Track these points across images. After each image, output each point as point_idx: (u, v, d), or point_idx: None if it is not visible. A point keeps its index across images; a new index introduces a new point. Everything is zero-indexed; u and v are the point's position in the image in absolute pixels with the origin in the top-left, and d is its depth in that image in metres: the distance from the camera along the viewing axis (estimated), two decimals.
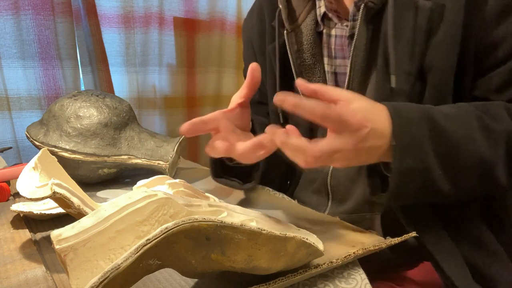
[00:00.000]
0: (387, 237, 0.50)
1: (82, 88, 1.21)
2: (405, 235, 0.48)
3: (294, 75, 0.66)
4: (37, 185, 0.48)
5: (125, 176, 0.87)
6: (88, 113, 0.76)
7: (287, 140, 0.43)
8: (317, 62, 0.66)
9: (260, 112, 0.82)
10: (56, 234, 0.34)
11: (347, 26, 0.62)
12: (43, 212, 0.57)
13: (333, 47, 0.65)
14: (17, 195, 0.72)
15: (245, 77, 0.85)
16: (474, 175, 0.50)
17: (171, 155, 0.80)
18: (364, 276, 0.45)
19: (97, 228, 0.34)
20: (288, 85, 0.69)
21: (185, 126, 0.48)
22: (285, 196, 0.70)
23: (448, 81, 0.55)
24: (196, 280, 0.42)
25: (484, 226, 0.58)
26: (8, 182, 0.73)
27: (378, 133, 0.45)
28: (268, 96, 0.74)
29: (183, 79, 1.40)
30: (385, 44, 0.56)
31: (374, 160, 0.48)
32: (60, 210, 0.58)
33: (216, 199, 0.60)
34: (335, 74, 0.66)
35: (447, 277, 0.53)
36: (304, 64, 0.67)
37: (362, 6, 0.57)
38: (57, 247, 0.33)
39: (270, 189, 0.73)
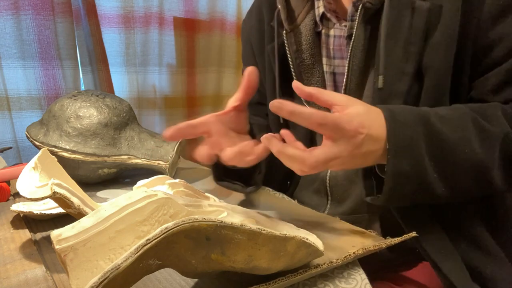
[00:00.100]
0: (387, 237, 0.50)
1: (82, 88, 1.21)
2: (405, 235, 0.49)
3: (293, 75, 0.66)
4: (37, 185, 0.48)
5: (125, 176, 0.87)
6: (88, 113, 0.76)
7: (283, 149, 0.43)
8: (316, 62, 0.66)
9: (260, 113, 0.82)
10: (56, 234, 0.34)
11: (345, 26, 0.62)
12: (43, 212, 0.57)
13: (331, 47, 0.65)
14: (17, 195, 0.72)
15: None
16: (469, 177, 0.50)
17: (171, 155, 0.80)
18: (364, 276, 0.45)
19: (97, 228, 0.34)
20: (287, 86, 0.69)
21: (169, 131, 0.48)
22: (285, 196, 0.70)
23: (445, 82, 0.55)
24: (196, 280, 0.42)
25: (483, 227, 0.58)
26: (8, 182, 0.73)
27: (373, 138, 0.45)
28: (267, 96, 0.74)
29: (183, 79, 1.40)
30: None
31: (369, 163, 0.49)
32: (60, 210, 0.58)
33: (216, 199, 0.60)
34: (333, 74, 0.66)
35: (446, 278, 0.53)
36: (303, 64, 0.67)
37: (360, 6, 0.57)
38: (57, 247, 0.33)
39: (270, 189, 0.73)
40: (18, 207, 0.58)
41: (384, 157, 0.47)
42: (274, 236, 0.36)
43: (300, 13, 0.67)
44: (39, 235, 0.55)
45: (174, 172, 0.86)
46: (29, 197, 0.46)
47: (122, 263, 0.30)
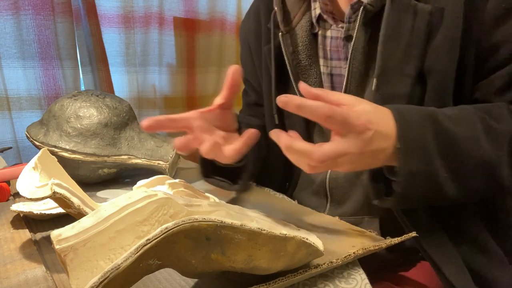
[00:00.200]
0: (387, 237, 0.50)
1: (82, 88, 1.21)
2: (405, 235, 0.48)
3: (291, 76, 0.66)
4: (37, 185, 0.48)
5: (125, 176, 0.87)
6: (88, 113, 0.76)
7: (291, 143, 0.42)
8: (313, 64, 0.66)
9: (257, 114, 0.82)
10: (56, 234, 0.34)
11: (342, 27, 0.62)
12: (43, 212, 0.57)
13: (328, 48, 0.65)
14: (17, 195, 0.72)
15: (243, 78, 0.86)
16: (479, 176, 0.49)
17: (171, 155, 0.80)
18: (364, 276, 0.45)
19: (97, 228, 0.34)
20: (284, 87, 0.70)
21: (145, 122, 0.47)
22: (285, 197, 0.70)
23: (449, 84, 0.55)
24: (196, 280, 0.42)
25: (484, 229, 0.58)
26: (8, 182, 0.73)
27: (383, 135, 0.45)
28: (264, 97, 0.74)
29: (183, 79, 1.40)
30: None
31: (379, 163, 0.48)
32: (60, 210, 0.58)
33: (216, 199, 0.60)
34: (331, 75, 0.66)
35: (446, 278, 0.53)
36: (300, 66, 0.67)
37: (361, 9, 0.57)
38: (57, 247, 0.33)
39: (270, 190, 0.73)
40: (18, 207, 0.58)
41: (393, 157, 0.46)
42: (274, 236, 0.36)
43: (296, 15, 0.67)
44: (39, 235, 0.55)
45: (174, 172, 0.86)
46: (29, 197, 0.46)
47: (122, 263, 0.30)
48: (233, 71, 0.52)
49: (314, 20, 0.65)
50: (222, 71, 1.49)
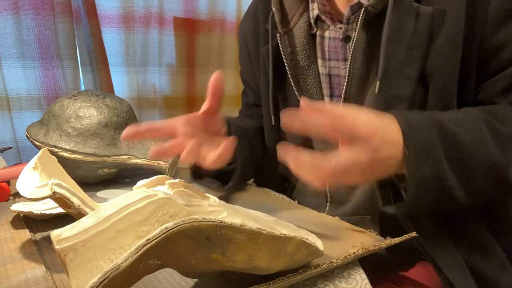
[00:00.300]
0: (387, 237, 0.50)
1: (82, 88, 1.21)
2: (405, 235, 0.48)
3: (289, 77, 0.66)
4: (37, 185, 0.48)
5: (125, 176, 0.87)
6: (88, 113, 0.76)
7: (300, 158, 0.42)
8: (311, 64, 0.66)
9: (255, 114, 0.82)
10: (56, 234, 0.34)
11: (340, 28, 0.62)
12: (43, 212, 0.57)
13: (326, 49, 0.65)
14: (17, 195, 0.72)
15: (242, 79, 0.86)
16: (487, 179, 0.49)
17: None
18: (364, 276, 0.45)
19: (97, 228, 0.34)
20: (282, 87, 0.70)
21: (126, 131, 0.48)
22: (285, 197, 0.70)
23: (452, 86, 0.55)
24: (196, 280, 0.42)
25: (485, 229, 0.58)
26: (8, 182, 0.73)
27: (390, 142, 0.45)
28: (262, 98, 0.74)
29: (183, 79, 1.40)
30: None
31: (390, 171, 0.47)
32: (60, 210, 0.58)
33: (216, 199, 0.60)
34: (329, 76, 0.66)
35: (448, 281, 0.53)
36: (298, 66, 0.67)
37: (362, 10, 0.57)
38: (57, 247, 0.33)
39: (270, 190, 0.73)
40: (18, 207, 0.58)
41: (403, 164, 0.46)
42: (274, 236, 0.36)
43: (293, 15, 0.67)
44: (39, 235, 0.55)
45: (174, 172, 0.86)
46: (29, 197, 0.46)
47: (122, 263, 0.30)
48: (215, 77, 0.53)
49: (312, 21, 0.65)
50: (222, 71, 1.49)
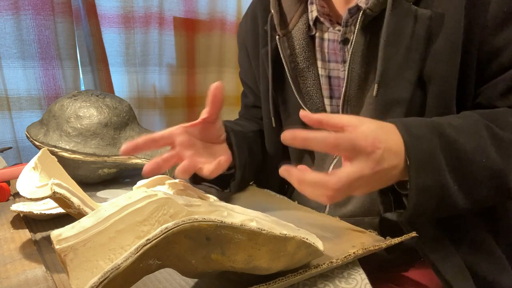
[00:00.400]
0: (387, 237, 0.50)
1: (82, 88, 1.21)
2: (405, 235, 0.48)
3: (289, 79, 0.66)
4: (37, 185, 0.48)
5: (125, 176, 0.87)
6: (88, 113, 0.76)
7: (303, 177, 0.42)
8: (310, 66, 0.66)
9: (254, 116, 0.82)
10: (56, 234, 0.34)
11: (339, 30, 0.62)
12: (43, 212, 0.57)
13: (326, 51, 0.65)
14: (17, 195, 0.72)
15: (241, 80, 0.86)
16: (488, 186, 0.49)
17: None
18: (364, 276, 0.45)
19: (97, 228, 0.34)
20: (281, 89, 0.70)
21: (124, 146, 0.49)
22: (285, 197, 0.70)
23: (451, 89, 0.55)
24: (196, 280, 0.42)
25: (484, 230, 0.58)
26: (8, 182, 0.73)
27: (392, 152, 0.44)
28: (262, 100, 0.74)
29: (183, 79, 1.40)
30: None
31: (394, 180, 0.47)
32: (60, 210, 0.58)
33: (216, 199, 0.60)
34: (329, 77, 0.66)
35: (447, 282, 0.53)
36: (297, 68, 0.67)
37: (361, 13, 0.57)
38: (57, 247, 0.33)
39: (270, 191, 0.73)
40: (18, 207, 0.58)
41: (405, 173, 0.46)
42: (274, 236, 0.36)
43: (292, 17, 0.67)
44: (39, 235, 0.55)
45: (174, 172, 0.86)
46: (29, 197, 0.46)
47: (122, 263, 0.30)
48: (215, 87, 0.54)
49: (311, 23, 0.65)
50: (222, 71, 1.50)
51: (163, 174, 0.75)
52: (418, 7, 0.55)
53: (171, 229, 0.32)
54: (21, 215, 0.60)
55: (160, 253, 0.33)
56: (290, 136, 0.42)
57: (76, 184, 0.53)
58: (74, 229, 0.34)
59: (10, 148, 0.97)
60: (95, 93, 0.81)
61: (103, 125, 0.77)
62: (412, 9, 0.55)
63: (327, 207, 0.68)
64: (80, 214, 0.46)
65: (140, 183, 0.61)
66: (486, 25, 0.53)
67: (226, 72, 1.50)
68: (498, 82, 0.55)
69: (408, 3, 0.55)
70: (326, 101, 0.66)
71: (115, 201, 0.36)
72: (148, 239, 0.31)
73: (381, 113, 0.57)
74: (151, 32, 1.28)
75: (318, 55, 0.66)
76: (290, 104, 0.70)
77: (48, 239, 0.53)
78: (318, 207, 0.68)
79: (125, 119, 0.81)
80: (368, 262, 0.47)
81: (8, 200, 0.70)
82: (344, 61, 0.63)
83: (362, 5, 0.57)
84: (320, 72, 0.66)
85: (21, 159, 1.11)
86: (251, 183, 0.78)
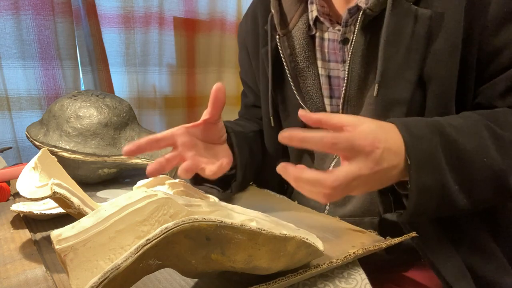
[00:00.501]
0: (387, 237, 0.50)
1: (82, 88, 1.21)
2: (405, 235, 0.49)
3: (289, 78, 0.66)
4: (37, 185, 0.48)
5: (125, 176, 0.87)
6: (88, 113, 0.76)
7: (300, 174, 0.41)
8: (310, 65, 0.66)
9: (254, 115, 0.82)
10: (56, 234, 0.34)
11: (339, 30, 0.62)
12: (43, 212, 0.57)
13: (326, 50, 0.65)
14: (17, 195, 0.72)
15: (242, 80, 0.86)
16: (489, 185, 0.49)
17: None
18: (364, 276, 0.45)
19: (97, 228, 0.34)
20: (281, 88, 0.70)
21: (126, 147, 0.49)
22: (285, 197, 0.70)
23: (450, 89, 0.55)
24: (196, 280, 0.42)
25: (484, 231, 0.58)
26: (8, 182, 0.73)
27: (392, 152, 0.44)
28: (261, 99, 0.74)
29: (183, 79, 1.40)
30: None
31: (394, 180, 0.47)
32: (60, 210, 0.58)
33: (216, 199, 0.60)
34: (329, 77, 0.66)
35: (447, 282, 0.53)
36: (297, 68, 0.67)
37: (361, 13, 0.57)
38: (57, 247, 0.33)
39: (270, 191, 0.73)
40: (18, 207, 0.58)
41: (405, 173, 0.46)
42: (274, 236, 0.36)
43: (292, 17, 0.67)
44: (39, 235, 0.55)
45: (174, 172, 0.86)
46: (29, 197, 0.46)
47: (122, 263, 0.30)
48: (216, 88, 0.54)
49: (311, 22, 0.65)
50: (222, 71, 1.50)
51: (163, 174, 0.75)
52: (418, 7, 0.55)
53: (171, 229, 0.32)
54: (21, 215, 0.60)
55: (160, 253, 0.33)
56: (287, 136, 0.42)
57: (76, 184, 0.53)
58: (74, 229, 0.34)
59: (10, 148, 0.97)
60: (95, 93, 0.81)
61: (103, 125, 0.77)
62: (412, 9, 0.55)
63: (327, 207, 0.68)
64: (80, 214, 0.46)
65: (140, 183, 0.61)
66: (486, 25, 0.53)
67: (226, 72, 1.50)
68: (498, 82, 0.55)
69: (408, 3, 0.55)
70: (326, 101, 0.66)
71: (115, 201, 0.36)
72: (148, 239, 0.31)
73: (381, 113, 0.57)
74: (151, 32, 1.28)
75: (318, 55, 0.66)
76: (289, 104, 0.70)
77: (48, 239, 0.53)
78: (318, 207, 0.68)
79: (125, 119, 0.81)
80: (368, 262, 0.47)
81: (8, 200, 0.70)
82: (344, 61, 0.63)
83: (362, 5, 0.57)
84: (320, 72, 0.66)
85: (21, 159, 1.11)
86: (251, 183, 0.78)
